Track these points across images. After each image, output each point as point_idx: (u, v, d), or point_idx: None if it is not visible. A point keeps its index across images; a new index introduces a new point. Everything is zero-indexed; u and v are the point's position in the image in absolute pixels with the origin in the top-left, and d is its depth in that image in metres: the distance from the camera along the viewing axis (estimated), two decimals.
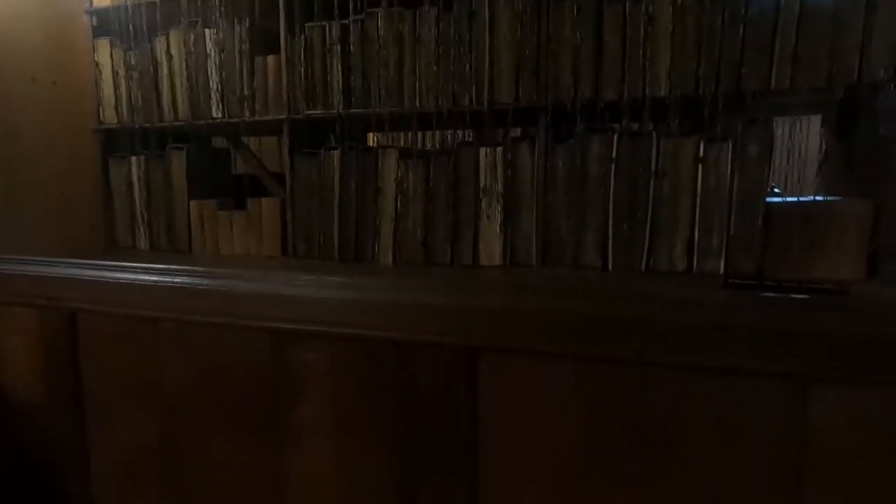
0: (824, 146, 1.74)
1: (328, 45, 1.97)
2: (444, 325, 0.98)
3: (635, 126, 1.76)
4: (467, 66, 1.82)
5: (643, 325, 0.90)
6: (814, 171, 1.75)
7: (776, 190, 1.92)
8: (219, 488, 1.16)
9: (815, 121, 1.86)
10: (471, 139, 1.99)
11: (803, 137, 1.84)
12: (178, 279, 1.21)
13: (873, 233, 1.52)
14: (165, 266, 1.29)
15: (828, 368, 0.82)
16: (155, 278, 1.22)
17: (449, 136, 2.05)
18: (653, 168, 1.67)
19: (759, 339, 0.85)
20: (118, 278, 1.26)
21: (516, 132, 2.11)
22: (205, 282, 1.20)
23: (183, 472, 1.20)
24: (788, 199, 1.65)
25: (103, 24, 2.27)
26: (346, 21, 1.93)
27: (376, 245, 1.95)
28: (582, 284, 1.20)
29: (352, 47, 1.94)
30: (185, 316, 1.18)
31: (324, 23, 1.96)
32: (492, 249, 1.84)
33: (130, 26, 2.20)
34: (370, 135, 2.44)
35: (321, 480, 1.09)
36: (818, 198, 1.67)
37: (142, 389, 1.23)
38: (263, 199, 2.11)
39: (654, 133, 1.66)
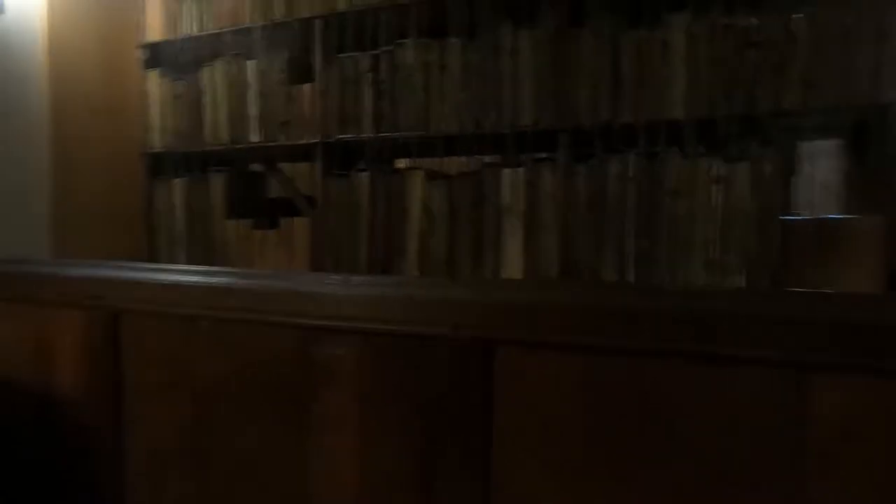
0: (842, 167, 1.77)
1: (360, 74, 2.09)
2: (458, 318, 1.04)
3: (659, 148, 1.80)
4: (490, 91, 1.91)
5: (650, 315, 0.94)
6: (832, 191, 1.78)
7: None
8: (246, 476, 1.22)
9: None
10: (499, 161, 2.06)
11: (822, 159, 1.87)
12: (214, 279, 1.29)
13: (891, 250, 1.54)
14: (204, 267, 1.37)
15: (828, 356, 0.86)
16: (194, 279, 1.31)
17: (473, 160, 2.13)
18: (669, 188, 1.72)
19: (761, 327, 0.89)
20: (160, 279, 1.35)
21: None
22: (240, 281, 1.29)
23: (213, 461, 1.26)
24: (805, 216, 1.68)
25: (154, 56, 2.44)
26: (377, 52, 2.06)
27: (402, 262, 2.03)
28: (592, 281, 1.24)
29: (382, 76, 2.06)
30: (220, 313, 1.26)
31: (356, 53, 2.09)
32: (513, 266, 1.90)
33: (179, 58, 2.37)
34: (398, 161, 2.54)
35: (343, 469, 1.14)
36: (836, 216, 1.69)
37: (177, 384, 1.30)
38: (296, 219, 2.22)
39: (670, 154, 1.72)
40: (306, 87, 2.18)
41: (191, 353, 1.27)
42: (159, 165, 2.45)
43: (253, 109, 2.26)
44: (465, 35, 1.94)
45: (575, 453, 0.97)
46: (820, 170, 1.72)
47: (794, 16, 1.59)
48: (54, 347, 1.52)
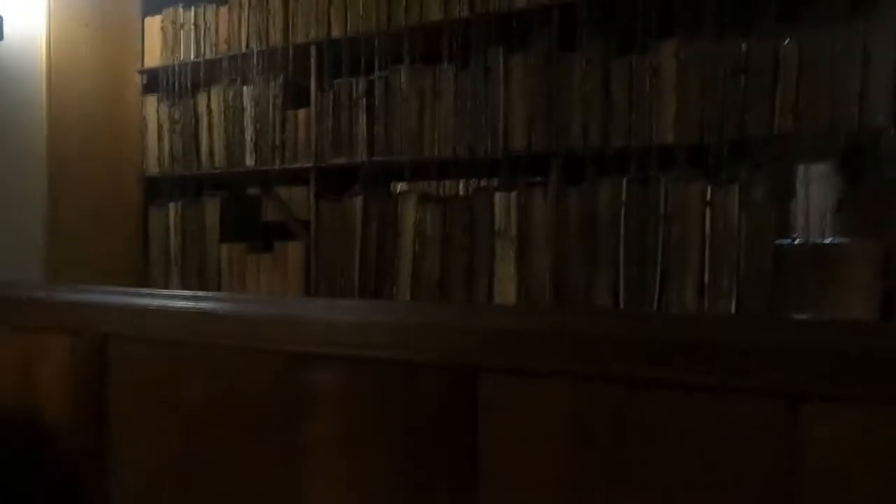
0: (836, 191, 1.76)
1: (354, 99, 2.10)
2: (446, 344, 1.03)
3: (650, 172, 1.80)
4: (483, 116, 1.93)
5: (640, 342, 0.93)
6: (826, 215, 1.77)
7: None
8: (234, 502, 1.20)
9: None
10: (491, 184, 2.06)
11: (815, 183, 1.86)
12: (202, 304, 1.29)
13: (886, 273, 1.53)
14: (191, 292, 1.37)
15: (823, 385, 0.84)
16: (181, 304, 1.30)
17: (465, 184, 2.14)
18: (661, 211, 1.71)
19: (755, 355, 0.87)
20: (147, 304, 1.34)
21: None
22: (228, 306, 1.28)
23: (201, 486, 1.24)
24: (799, 241, 1.67)
25: (152, 82, 2.47)
26: (372, 77, 2.08)
27: (395, 286, 2.02)
28: (577, 307, 1.23)
29: (376, 101, 2.07)
30: (208, 338, 1.25)
31: (351, 79, 2.11)
32: (506, 289, 1.89)
33: (176, 84, 2.39)
34: (392, 184, 2.55)
35: (330, 494, 1.12)
36: (829, 240, 1.68)
37: (164, 409, 1.29)
38: (290, 243, 2.22)
39: (661, 178, 1.72)
40: (301, 111, 2.19)
41: (178, 377, 1.26)
42: (155, 189, 2.46)
43: (248, 134, 2.27)
44: (457, 61, 1.96)
45: (563, 481, 0.96)
46: (814, 194, 1.71)
47: (782, 41, 1.60)
48: (40, 372, 1.51)
